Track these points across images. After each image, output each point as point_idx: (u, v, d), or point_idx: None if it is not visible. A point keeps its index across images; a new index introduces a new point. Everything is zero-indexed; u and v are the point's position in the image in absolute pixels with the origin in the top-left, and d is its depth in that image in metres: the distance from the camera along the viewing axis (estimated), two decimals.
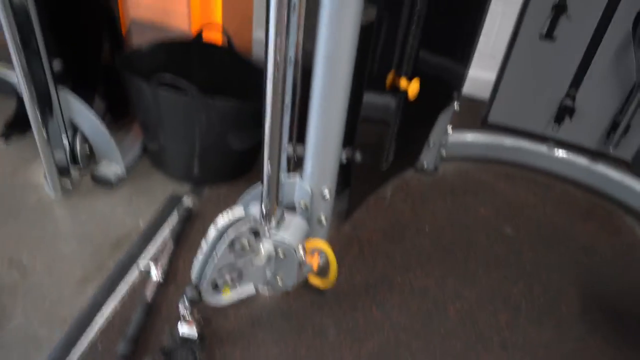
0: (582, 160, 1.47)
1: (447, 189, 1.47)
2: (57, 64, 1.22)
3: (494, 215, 1.39)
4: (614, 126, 1.36)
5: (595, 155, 1.44)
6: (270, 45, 0.78)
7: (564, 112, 1.40)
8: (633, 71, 1.27)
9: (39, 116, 1.19)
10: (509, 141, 1.53)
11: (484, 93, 1.46)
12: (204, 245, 0.89)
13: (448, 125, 1.46)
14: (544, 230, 1.36)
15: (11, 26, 1.06)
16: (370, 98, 1.08)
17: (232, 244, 0.88)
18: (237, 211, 0.89)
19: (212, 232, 0.88)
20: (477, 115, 1.50)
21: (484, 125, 1.49)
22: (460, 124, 1.54)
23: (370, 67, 1.02)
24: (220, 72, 1.48)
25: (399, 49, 1.13)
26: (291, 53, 0.81)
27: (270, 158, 0.94)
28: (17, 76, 1.13)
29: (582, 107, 1.38)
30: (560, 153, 1.49)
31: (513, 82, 1.40)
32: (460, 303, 1.13)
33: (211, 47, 1.49)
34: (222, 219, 0.88)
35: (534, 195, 1.49)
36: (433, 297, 1.14)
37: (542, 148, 1.50)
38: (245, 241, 0.89)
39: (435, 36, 1.21)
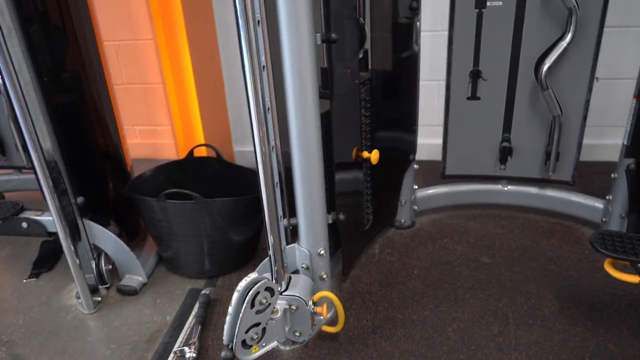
0: (532, 190, 1.72)
1: (426, 237, 1.68)
2: (81, 200, 1.45)
3: (470, 250, 1.60)
4: (547, 156, 1.63)
5: (541, 182, 1.69)
6: (256, 140, 1.04)
7: (505, 153, 1.67)
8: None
9: (71, 245, 1.40)
10: (467, 187, 1.78)
11: (440, 156, 1.73)
12: (230, 310, 1.07)
13: (413, 184, 1.71)
14: (515, 253, 1.56)
15: (46, 177, 1.31)
16: (341, 169, 1.33)
17: (252, 301, 1.06)
18: (252, 275, 1.09)
19: (235, 296, 1.07)
20: (438, 173, 1.76)
21: (443, 178, 1.75)
22: (425, 183, 1.80)
23: (336, 145, 1.28)
24: (213, 179, 1.73)
25: (356, 129, 1.41)
26: (272, 142, 1.07)
27: (271, 230, 1.16)
28: (52, 214, 1.35)
29: (519, 146, 1.65)
30: (513, 187, 1.73)
31: (457, 138, 1.68)
32: (456, 323, 1.29)
33: (202, 159, 1.77)
34: (242, 283, 1.07)
35: (501, 227, 1.71)
36: (431, 323, 1.30)
37: (497, 187, 1.75)
38: (262, 297, 1.08)
39: (384, 116, 1.51)
